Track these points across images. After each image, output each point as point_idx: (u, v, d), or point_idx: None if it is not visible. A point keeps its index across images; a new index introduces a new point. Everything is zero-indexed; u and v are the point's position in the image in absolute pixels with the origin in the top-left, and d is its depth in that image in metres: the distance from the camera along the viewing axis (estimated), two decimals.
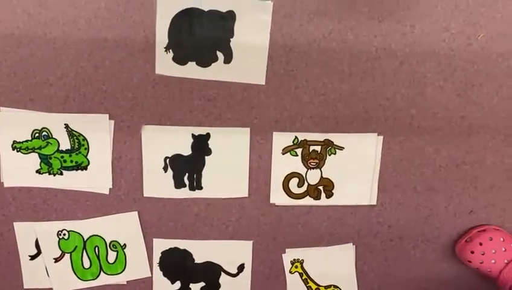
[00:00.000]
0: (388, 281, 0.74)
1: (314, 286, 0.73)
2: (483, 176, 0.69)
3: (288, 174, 0.68)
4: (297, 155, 0.68)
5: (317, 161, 0.68)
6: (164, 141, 0.66)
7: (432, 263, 0.73)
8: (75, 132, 0.65)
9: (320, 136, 0.67)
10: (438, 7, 0.62)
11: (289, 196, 0.69)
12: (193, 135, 0.66)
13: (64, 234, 0.69)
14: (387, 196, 0.70)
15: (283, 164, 0.68)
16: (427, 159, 0.68)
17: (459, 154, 0.68)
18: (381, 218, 0.71)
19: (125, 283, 0.72)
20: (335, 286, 0.73)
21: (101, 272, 0.71)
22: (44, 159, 0.66)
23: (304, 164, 0.68)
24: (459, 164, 0.69)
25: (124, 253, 0.70)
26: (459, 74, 0.65)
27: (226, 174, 0.68)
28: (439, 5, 0.62)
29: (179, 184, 0.68)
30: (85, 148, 0.66)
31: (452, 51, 0.64)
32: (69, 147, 0.65)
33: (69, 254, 0.70)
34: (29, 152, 0.65)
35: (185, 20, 0.61)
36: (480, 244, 0.67)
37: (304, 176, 0.68)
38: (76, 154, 0.66)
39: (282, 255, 0.72)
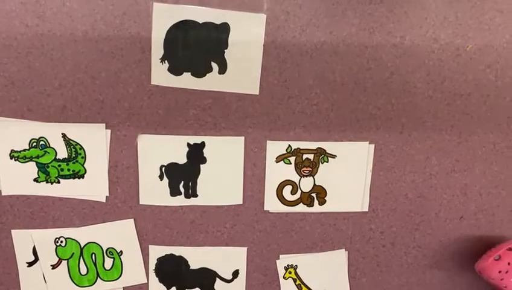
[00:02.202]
0: (380, 286, 0.75)
1: None
2: (472, 184, 0.71)
3: (281, 182, 0.70)
4: (290, 163, 0.69)
5: (310, 169, 0.69)
6: (160, 150, 0.67)
7: (423, 268, 0.75)
8: (72, 141, 0.66)
9: (313, 145, 0.68)
10: (427, 19, 0.64)
11: (283, 203, 0.70)
12: (188, 144, 0.67)
13: (61, 241, 0.70)
14: (379, 203, 0.71)
15: (277, 172, 0.69)
16: (418, 167, 0.70)
17: (449, 162, 0.70)
18: (373, 224, 0.72)
19: (122, 289, 0.73)
20: None
21: (98, 278, 0.72)
22: (42, 168, 0.67)
23: (297, 172, 0.69)
24: (449, 171, 0.70)
25: (120, 260, 0.71)
26: (448, 83, 0.66)
27: (220, 182, 0.69)
28: (429, 17, 0.64)
29: (174, 192, 0.69)
30: (82, 157, 0.67)
31: (441, 61, 0.65)
32: (66, 156, 0.67)
33: (66, 261, 0.71)
34: (27, 161, 0.66)
35: (180, 31, 0.62)
36: (509, 264, 0.68)
37: (297, 183, 0.70)
38: (74, 163, 0.67)
39: (276, 261, 0.73)
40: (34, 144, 0.66)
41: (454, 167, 0.70)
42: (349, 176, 0.69)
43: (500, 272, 0.68)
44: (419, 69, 0.66)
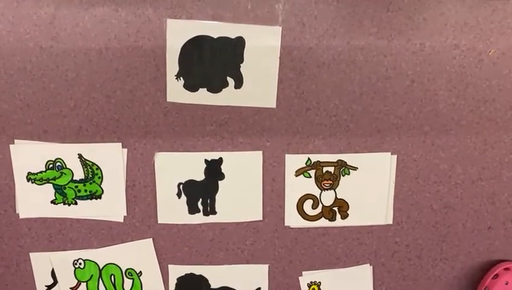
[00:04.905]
0: None
1: None
2: (500, 192, 0.68)
3: (302, 196, 0.68)
4: (310, 177, 0.67)
5: (331, 182, 0.67)
6: (177, 167, 0.66)
7: (451, 281, 0.72)
8: (89, 161, 0.65)
9: (333, 157, 0.67)
10: (447, 25, 0.62)
11: (304, 218, 0.68)
12: (206, 160, 0.66)
13: (80, 263, 0.69)
14: (404, 215, 0.69)
15: (297, 186, 0.67)
16: (443, 177, 0.68)
17: (475, 170, 0.67)
18: (398, 237, 0.70)
19: None
20: None
21: None
22: (59, 190, 0.66)
23: (317, 186, 0.68)
24: (475, 180, 0.68)
25: (140, 280, 0.70)
26: (471, 90, 0.64)
27: (239, 198, 0.67)
28: (449, 22, 0.62)
29: (192, 210, 0.68)
30: (99, 177, 0.66)
31: (463, 67, 0.63)
32: (83, 177, 0.66)
33: (85, 283, 0.70)
34: (44, 183, 0.66)
35: (194, 47, 0.61)
36: (506, 283, 0.67)
37: (318, 197, 0.68)
38: (90, 184, 0.66)
39: (299, 278, 0.71)
40: (51, 165, 0.65)
41: (481, 175, 0.68)
42: (371, 188, 0.67)
43: None
44: (441, 76, 0.64)
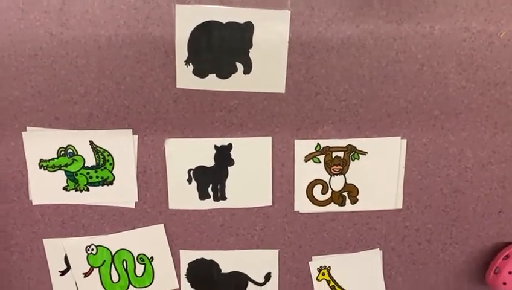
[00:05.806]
0: (417, 285, 0.73)
1: None
2: (510, 176, 0.68)
3: (311, 182, 0.68)
4: (320, 162, 0.67)
5: (340, 167, 0.68)
6: (187, 153, 0.66)
7: (461, 265, 0.72)
8: (100, 148, 0.66)
9: (342, 142, 0.67)
10: (457, 7, 0.62)
11: (313, 203, 0.69)
12: (215, 146, 0.66)
13: (92, 249, 0.70)
14: (414, 199, 0.69)
15: (306, 172, 0.68)
16: (452, 161, 0.67)
17: (485, 154, 0.67)
18: (408, 222, 0.70)
19: None
20: None
21: (130, 285, 0.71)
22: (71, 176, 0.67)
23: (327, 171, 0.68)
24: (485, 164, 0.68)
25: (152, 266, 0.71)
26: (482, 73, 0.64)
27: (249, 184, 0.68)
28: (459, 5, 0.61)
29: (203, 195, 0.68)
30: (110, 164, 0.66)
31: (474, 50, 0.63)
32: (94, 163, 0.66)
33: (97, 269, 0.71)
34: (56, 170, 0.66)
35: (203, 33, 0.61)
36: (510, 273, 0.67)
37: (328, 182, 0.68)
38: (102, 170, 0.67)
39: (309, 262, 0.71)
40: (62, 152, 0.66)
41: (491, 159, 0.67)
42: (381, 172, 0.67)
43: (505, 283, 0.67)
44: (451, 60, 0.63)
